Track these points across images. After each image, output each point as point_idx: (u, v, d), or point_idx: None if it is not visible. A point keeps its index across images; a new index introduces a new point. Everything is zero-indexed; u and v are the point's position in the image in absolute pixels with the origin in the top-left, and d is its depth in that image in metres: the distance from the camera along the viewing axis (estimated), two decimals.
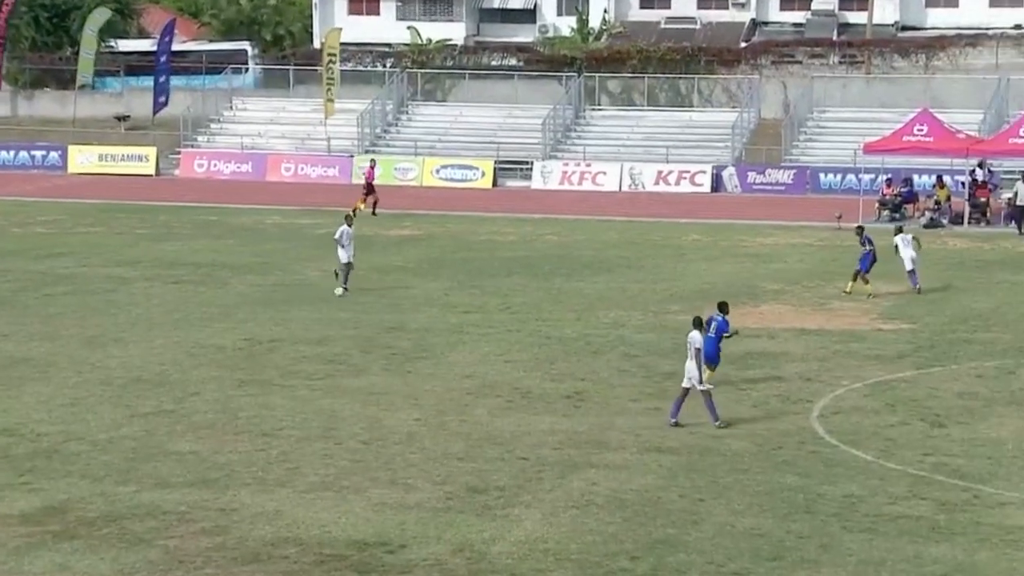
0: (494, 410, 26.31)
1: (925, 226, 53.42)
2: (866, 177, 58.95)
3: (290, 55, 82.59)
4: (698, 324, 25.30)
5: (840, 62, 77.06)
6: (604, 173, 67.05)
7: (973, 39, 76.56)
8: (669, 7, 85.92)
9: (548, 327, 34.08)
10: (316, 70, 74.19)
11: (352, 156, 70.44)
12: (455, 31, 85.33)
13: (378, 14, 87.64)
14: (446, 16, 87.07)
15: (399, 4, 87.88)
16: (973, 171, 55.78)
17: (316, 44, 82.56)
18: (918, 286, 38.33)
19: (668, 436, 24.49)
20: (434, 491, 21.49)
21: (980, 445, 24.02)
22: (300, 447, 23.88)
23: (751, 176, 65.79)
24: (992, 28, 78.61)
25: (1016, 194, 52.52)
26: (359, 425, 25.20)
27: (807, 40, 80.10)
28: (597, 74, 75.32)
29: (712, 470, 22.45)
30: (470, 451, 23.61)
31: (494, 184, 68.15)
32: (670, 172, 66.15)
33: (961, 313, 36.07)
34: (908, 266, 38.58)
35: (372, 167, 59.49)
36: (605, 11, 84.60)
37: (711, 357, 26.18)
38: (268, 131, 73.50)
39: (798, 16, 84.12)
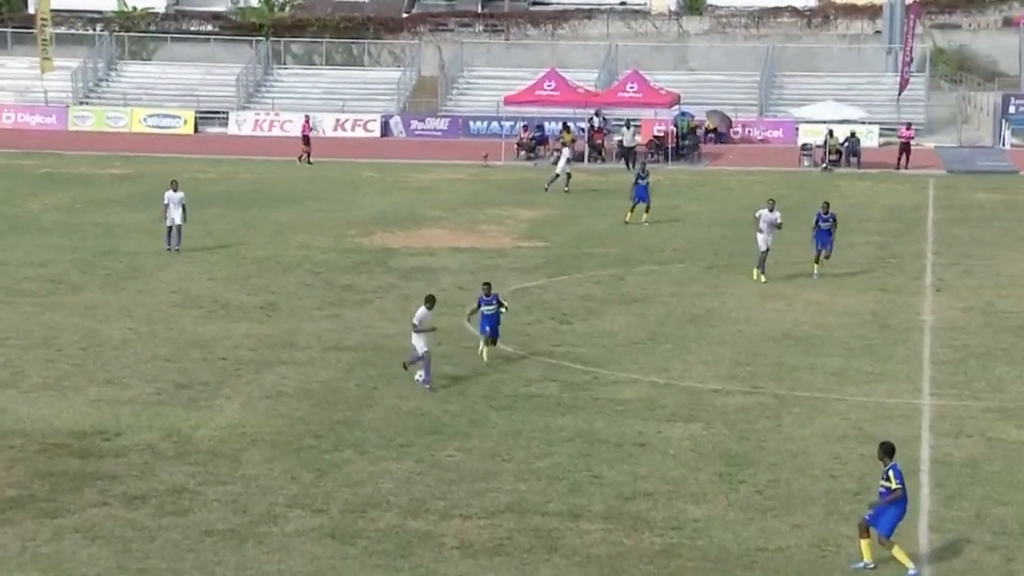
0: (198, 319, 25.69)
1: (554, 163, 54.50)
2: (507, 124, 59.82)
3: (7, 19, 78.12)
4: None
5: (484, 30, 77.67)
6: (290, 121, 65.89)
7: (589, 13, 78.20)
8: None
9: (244, 250, 33.42)
10: (32, 32, 70.58)
11: (67, 106, 67.64)
12: (157, 0, 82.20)
13: None
14: None
15: None
16: (591, 119, 57.23)
17: (31, 10, 78.32)
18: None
19: (346, 337, 24.39)
20: (146, 388, 20.88)
21: (597, 337, 24.75)
22: (24, 354, 22.79)
23: (413, 124, 65.88)
24: (604, 4, 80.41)
25: (624, 137, 54.14)
26: (78, 334, 24.22)
27: (457, 12, 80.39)
28: (283, 39, 74.00)
29: (383, 364, 22.44)
30: (177, 354, 23.00)
31: (195, 131, 66.33)
32: (346, 120, 65.69)
33: (583, 233, 37.01)
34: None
35: (307, 121, 56.93)
36: None
37: None
38: None
39: None
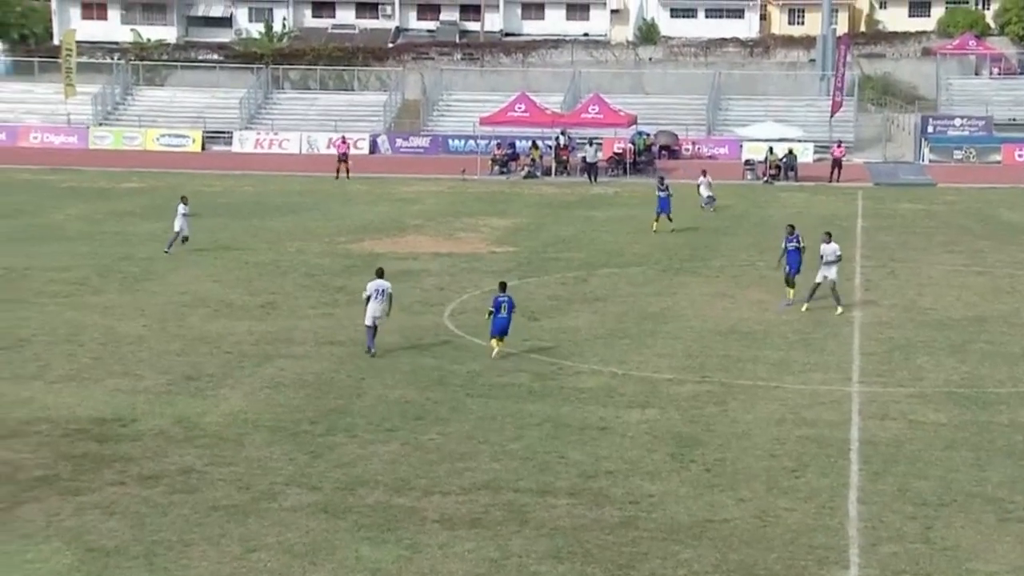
0: (205, 317, 25.56)
1: (525, 177, 54.61)
2: (482, 142, 59.80)
3: (35, 50, 77.79)
4: (380, 273, 22.45)
5: (462, 58, 77.67)
6: (288, 140, 65.99)
7: (556, 43, 78.42)
8: (334, 16, 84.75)
9: (247, 255, 33.29)
10: (57, 61, 70.25)
11: (88, 127, 67.30)
12: (169, 33, 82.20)
13: (106, 19, 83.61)
14: (161, 22, 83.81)
15: (123, 11, 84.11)
16: (558, 137, 57.28)
17: (56, 41, 78.01)
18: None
19: (339, 333, 24.30)
20: (158, 379, 20.76)
21: (563, 332, 24.73)
22: (49, 349, 22.64)
23: (399, 142, 65.77)
24: (568, 35, 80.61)
25: (587, 154, 54.18)
26: (98, 331, 24.07)
27: (438, 42, 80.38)
28: (281, 66, 73.84)
29: (371, 358, 22.34)
30: (186, 348, 22.89)
31: (203, 148, 66.08)
32: (338, 139, 65.33)
33: (551, 239, 37.03)
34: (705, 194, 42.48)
35: (344, 141, 55.98)
36: (284, 19, 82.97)
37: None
38: (18, 108, 69.32)
39: (431, 24, 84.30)
